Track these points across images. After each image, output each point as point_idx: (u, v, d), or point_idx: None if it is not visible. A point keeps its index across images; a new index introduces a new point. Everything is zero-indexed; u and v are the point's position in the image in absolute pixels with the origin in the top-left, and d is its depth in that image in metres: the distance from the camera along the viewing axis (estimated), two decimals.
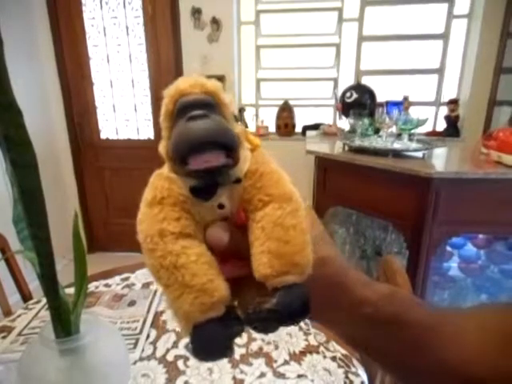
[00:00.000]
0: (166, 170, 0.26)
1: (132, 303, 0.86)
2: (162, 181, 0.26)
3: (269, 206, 0.25)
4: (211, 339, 0.24)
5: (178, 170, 0.24)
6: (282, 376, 0.65)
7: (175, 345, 0.73)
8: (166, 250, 0.24)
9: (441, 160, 1.67)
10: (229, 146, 0.23)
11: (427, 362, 0.29)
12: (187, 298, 0.23)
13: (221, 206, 0.26)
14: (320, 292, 0.27)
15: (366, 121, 1.88)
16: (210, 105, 0.24)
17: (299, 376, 0.66)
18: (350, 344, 0.36)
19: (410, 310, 0.30)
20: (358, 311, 0.30)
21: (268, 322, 0.25)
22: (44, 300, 0.87)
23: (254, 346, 0.73)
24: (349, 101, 2.34)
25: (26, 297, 1.05)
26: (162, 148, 0.25)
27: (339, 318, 0.31)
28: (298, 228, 0.25)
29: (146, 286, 0.95)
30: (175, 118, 0.24)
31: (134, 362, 0.67)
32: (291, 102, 2.64)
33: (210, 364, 0.68)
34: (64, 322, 0.46)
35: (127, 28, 2.52)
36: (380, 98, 2.37)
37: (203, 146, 0.22)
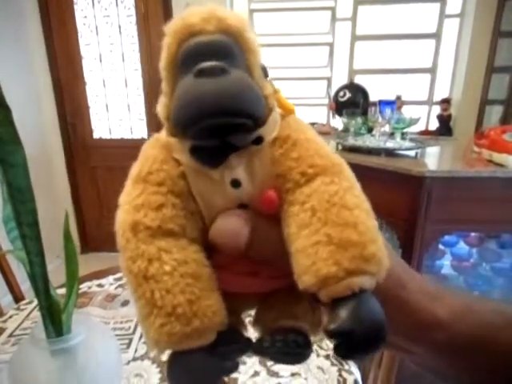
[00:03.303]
0: (164, 132, 0.19)
1: (125, 303, 0.86)
2: (157, 149, 0.19)
3: (316, 179, 0.18)
4: (190, 374, 0.17)
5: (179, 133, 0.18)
6: (275, 374, 0.65)
7: None
8: (136, 252, 0.18)
9: (433, 159, 1.68)
10: (253, 117, 0.17)
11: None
12: (154, 322, 0.17)
13: (236, 184, 0.18)
14: None
15: (359, 120, 1.89)
16: (230, 51, 0.17)
17: (293, 374, 0.66)
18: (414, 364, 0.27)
19: (500, 328, 0.23)
20: (426, 336, 0.23)
21: (304, 350, 0.18)
22: (36, 301, 0.86)
23: None
24: (342, 100, 2.35)
25: (17, 298, 1.04)
26: (160, 108, 0.19)
27: (400, 344, 0.24)
28: (363, 208, 0.18)
29: None
30: (180, 66, 0.17)
31: (128, 362, 0.67)
32: None
33: None
34: (55, 322, 0.46)
35: (120, 27, 2.50)
36: (373, 97, 2.38)
37: (217, 118, 0.16)
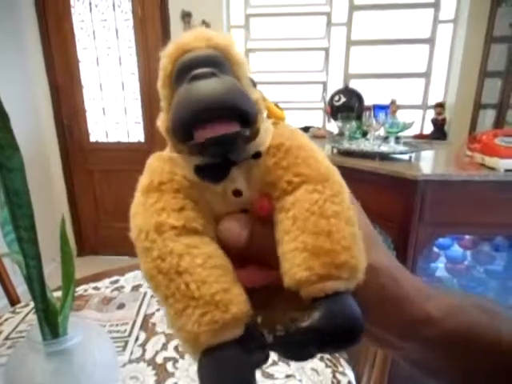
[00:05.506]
0: (167, 151, 0.21)
1: (121, 306, 0.86)
2: (162, 162, 0.20)
3: (300, 188, 0.19)
4: (227, 369, 0.18)
5: (182, 147, 0.19)
6: (270, 377, 0.66)
7: (164, 347, 0.73)
8: (164, 250, 0.18)
9: (427, 162, 1.69)
10: (244, 113, 0.18)
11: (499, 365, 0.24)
12: (193, 313, 0.18)
13: (237, 193, 0.20)
14: (366, 308, 0.19)
15: (354, 124, 1.90)
16: (219, 62, 0.19)
17: (287, 376, 0.66)
18: (404, 362, 0.28)
19: (484, 326, 0.24)
20: (416, 332, 0.24)
21: (303, 346, 0.18)
22: (32, 304, 0.86)
23: None
24: (337, 104, 2.37)
25: (13, 301, 1.03)
26: (160, 123, 0.20)
27: (390, 340, 0.25)
28: (342, 216, 0.19)
29: (136, 288, 0.95)
30: (176, 82, 0.19)
31: (123, 365, 0.67)
32: (281, 105, 2.65)
33: None
34: (51, 324, 0.46)
35: (117, 31, 2.51)
36: (368, 101, 2.40)
37: (211, 113, 0.17)
